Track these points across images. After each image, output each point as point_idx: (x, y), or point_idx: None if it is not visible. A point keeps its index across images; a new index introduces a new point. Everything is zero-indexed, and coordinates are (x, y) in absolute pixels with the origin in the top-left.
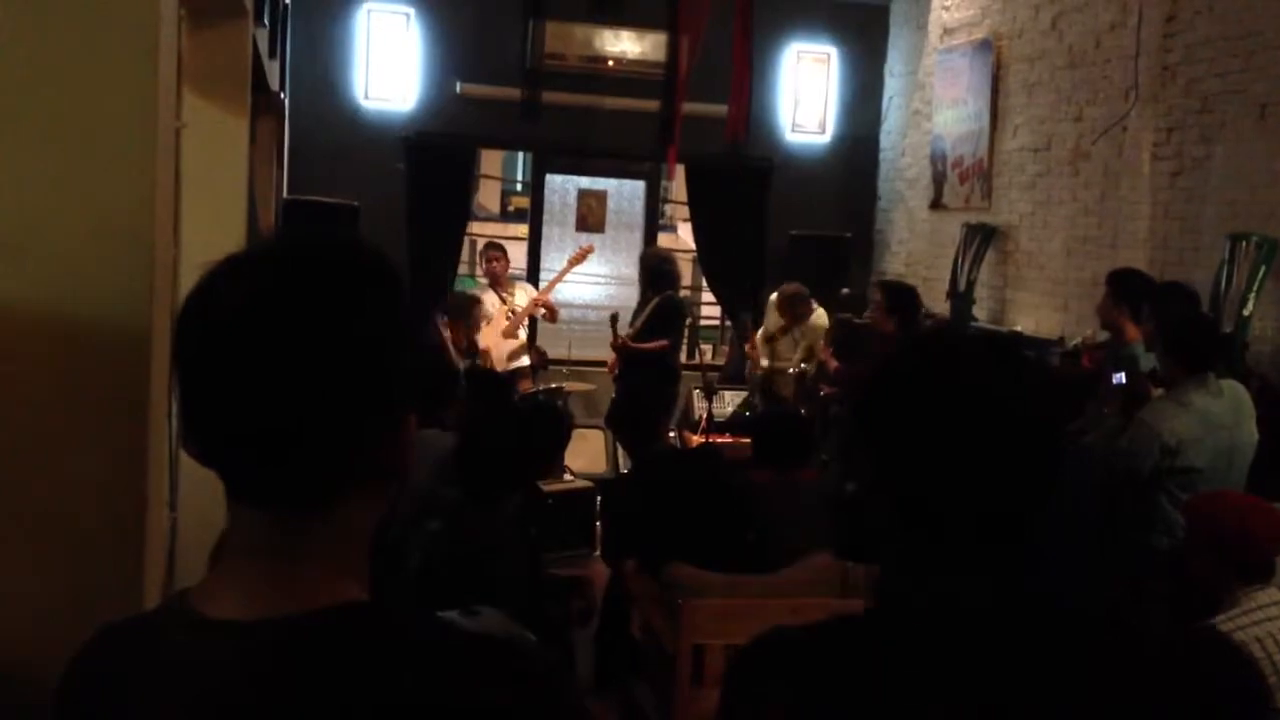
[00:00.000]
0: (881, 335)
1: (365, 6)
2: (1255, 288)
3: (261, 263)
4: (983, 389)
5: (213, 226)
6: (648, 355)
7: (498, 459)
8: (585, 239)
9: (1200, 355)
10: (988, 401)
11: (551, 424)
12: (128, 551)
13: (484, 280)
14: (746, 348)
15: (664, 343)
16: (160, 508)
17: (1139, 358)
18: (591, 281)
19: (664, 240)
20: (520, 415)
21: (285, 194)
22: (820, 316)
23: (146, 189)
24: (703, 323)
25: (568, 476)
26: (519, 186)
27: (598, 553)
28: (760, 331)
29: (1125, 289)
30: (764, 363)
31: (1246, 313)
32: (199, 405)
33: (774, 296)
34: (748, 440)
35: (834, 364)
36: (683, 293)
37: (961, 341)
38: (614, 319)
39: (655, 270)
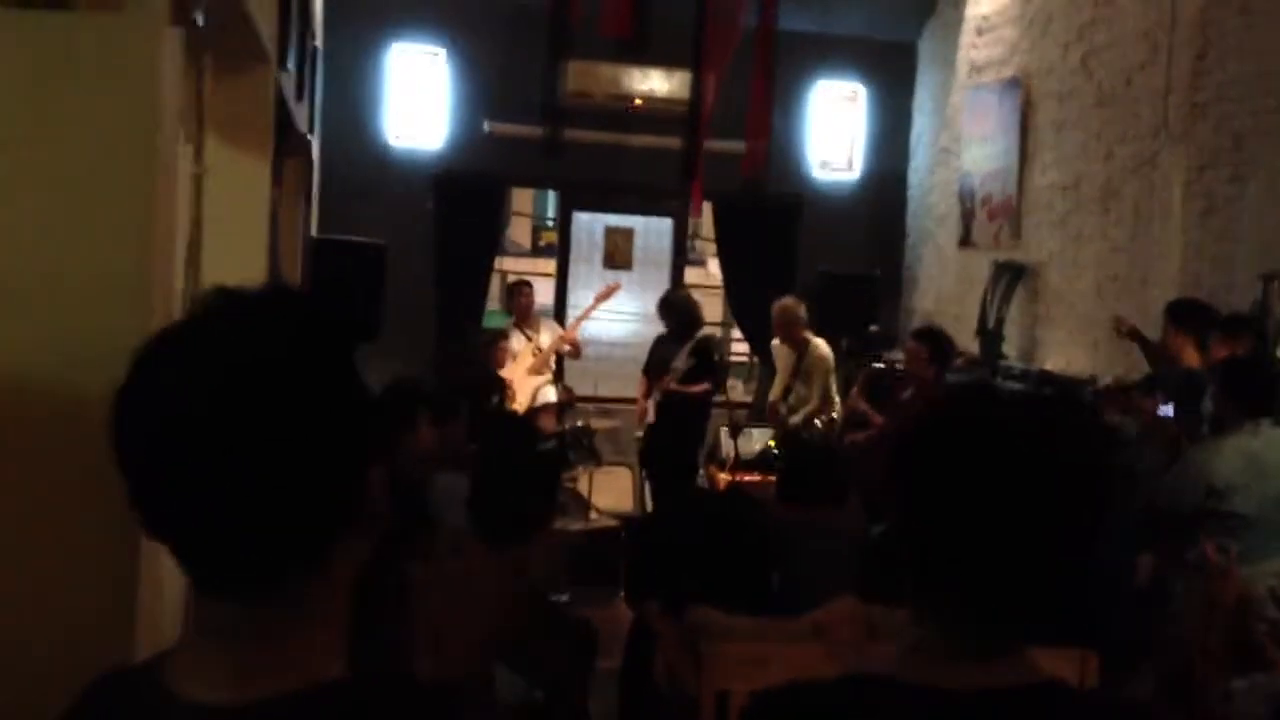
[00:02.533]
0: (921, 383)
1: (395, 46)
2: None
3: (200, 350)
4: (1027, 450)
5: (234, 270)
6: (692, 397)
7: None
8: (612, 276)
9: (1260, 401)
10: (1031, 463)
11: (536, 478)
12: (120, 617)
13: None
14: (769, 411)
15: (707, 386)
16: (157, 567)
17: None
18: (619, 319)
19: (694, 275)
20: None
21: (315, 233)
22: (819, 347)
23: (143, 249)
24: (732, 359)
25: (594, 515)
26: (550, 222)
27: (623, 593)
28: (774, 388)
29: (1187, 318)
30: (794, 420)
31: None
32: (155, 506)
33: (775, 342)
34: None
35: (877, 418)
36: (715, 329)
37: (1007, 401)
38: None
39: (686, 316)
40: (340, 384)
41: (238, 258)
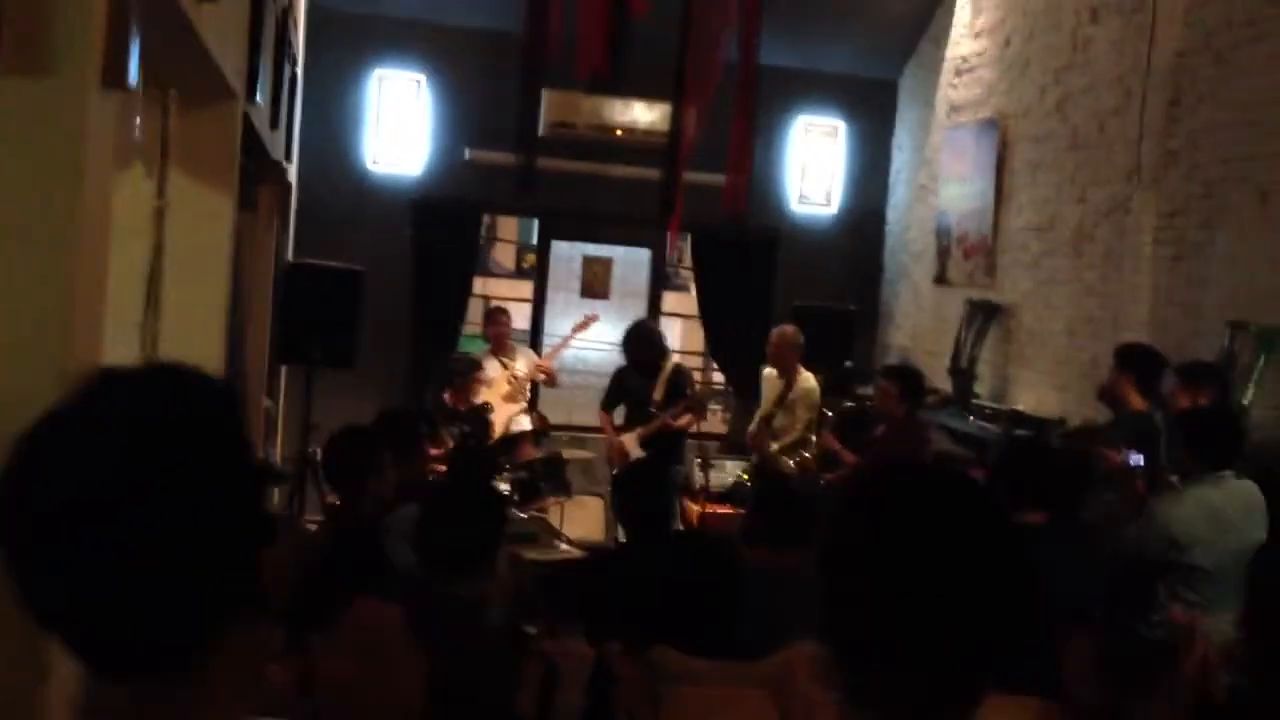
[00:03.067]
0: (891, 420)
1: (376, 72)
2: (1255, 378)
3: (79, 434)
4: (937, 554)
5: (194, 301)
6: (675, 431)
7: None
8: (590, 305)
9: (1222, 452)
10: (941, 563)
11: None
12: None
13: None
14: (749, 434)
15: (691, 418)
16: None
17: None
18: (594, 348)
19: (678, 299)
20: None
21: (292, 257)
22: (808, 380)
23: (65, 308)
24: (714, 387)
25: (564, 545)
26: (535, 243)
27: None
28: (757, 414)
29: (1132, 361)
30: (774, 447)
31: (1246, 402)
32: (36, 591)
33: (767, 370)
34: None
35: (849, 456)
36: (698, 358)
37: (926, 498)
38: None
39: (654, 348)
40: (222, 464)
41: (199, 290)
